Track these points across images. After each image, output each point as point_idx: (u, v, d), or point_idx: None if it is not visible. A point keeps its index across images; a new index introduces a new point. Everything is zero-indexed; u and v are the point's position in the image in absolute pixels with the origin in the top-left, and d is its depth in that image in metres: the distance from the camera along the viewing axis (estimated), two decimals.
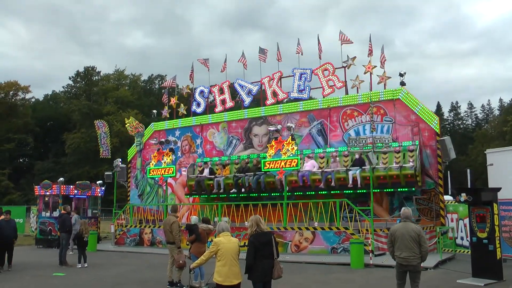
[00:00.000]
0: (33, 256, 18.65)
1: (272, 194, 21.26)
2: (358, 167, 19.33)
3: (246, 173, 21.60)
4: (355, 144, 20.75)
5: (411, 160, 18.74)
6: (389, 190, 19.37)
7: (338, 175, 19.72)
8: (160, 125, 27.89)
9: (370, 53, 21.61)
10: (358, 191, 19.35)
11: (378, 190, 19.25)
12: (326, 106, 22.25)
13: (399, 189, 19.02)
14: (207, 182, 22.66)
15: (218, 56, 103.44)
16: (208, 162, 23.89)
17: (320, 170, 20.19)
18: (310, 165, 20.52)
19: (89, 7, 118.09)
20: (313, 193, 20.33)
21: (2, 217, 15.50)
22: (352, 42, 22.52)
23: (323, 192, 20.03)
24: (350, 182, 19.36)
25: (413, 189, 18.71)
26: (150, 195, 27.36)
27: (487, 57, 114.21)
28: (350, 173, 19.42)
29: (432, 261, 14.70)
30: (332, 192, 19.79)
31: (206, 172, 23.14)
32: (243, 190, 21.63)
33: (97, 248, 21.89)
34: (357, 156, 19.76)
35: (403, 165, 18.61)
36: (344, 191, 19.63)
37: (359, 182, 19.14)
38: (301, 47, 23.63)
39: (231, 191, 22.00)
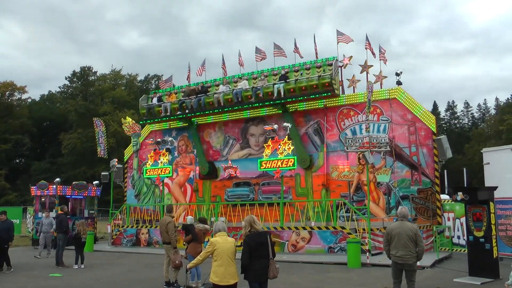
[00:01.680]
0: (29, 256, 18.59)
1: (206, 112, 24.20)
2: (283, 81, 21.62)
3: (190, 96, 24.32)
4: (352, 144, 20.77)
5: (328, 72, 21.10)
6: (307, 97, 21.40)
7: (266, 89, 22.04)
8: (156, 125, 27.83)
9: (370, 48, 21.58)
10: (282, 101, 21.76)
11: (295, 99, 21.74)
12: (322, 106, 22.25)
13: (317, 95, 21.16)
14: (157, 108, 25.52)
15: (214, 56, 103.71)
16: (157, 92, 27.13)
17: (251, 87, 22.66)
18: (242, 84, 23.09)
19: (85, 7, 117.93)
20: (243, 106, 23.19)
21: None
22: (352, 40, 22.55)
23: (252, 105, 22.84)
24: (275, 94, 21.61)
25: (329, 93, 20.89)
26: (146, 195, 27.33)
27: (483, 56, 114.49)
28: (275, 86, 21.72)
29: (429, 260, 14.73)
30: (259, 104, 22.52)
31: (155, 100, 26.09)
32: (186, 111, 24.49)
33: (94, 248, 21.87)
34: (283, 72, 22.28)
35: (322, 74, 20.96)
36: (269, 102, 22.14)
37: (282, 94, 21.45)
38: (299, 49, 23.58)
39: (177, 113, 24.76)
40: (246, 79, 23.46)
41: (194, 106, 23.98)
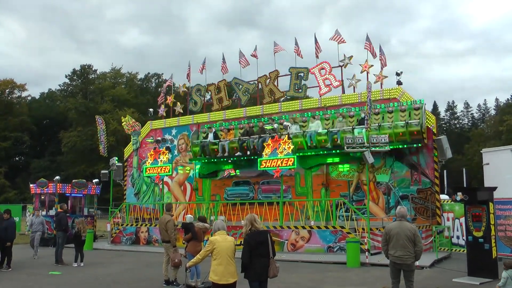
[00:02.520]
0: (29, 254, 18.58)
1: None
2: (363, 126, 18.55)
3: (251, 136, 21.23)
4: (351, 143, 20.74)
5: (416, 118, 18.60)
6: (396, 146, 18.67)
7: (343, 134, 18.87)
8: (156, 123, 27.86)
9: (372, 50, 21.55)
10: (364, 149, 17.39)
11: (381, 148, 17.31)
12: (323, 105, 22.26)
13: (405, 145, 18.67)
14: (212, 146, 22.24)
15: (214, 55, 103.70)
16: (212, 127, 23.21)
17: (326, 130, 19.70)
18: (315, 125, 20.22)
19: (85, 5, 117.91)
20: (319, 153, 19.95)
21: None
22: (345, 42, 22.50)
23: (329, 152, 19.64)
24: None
25: (419, 144, 18.53)
26: (146, 194, 27.34)
27: (483, 57, 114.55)
28: (356, 131, 18.82)
29: (428, 260, 14.74)
30: (337, 151, 19.19)
31: (210, 137, 22.66)
32: (248, 153, 21.16)
33: (93, 246, 21.88)
34: (363, 115, 19.22)
35: (409, 121, 18.42)
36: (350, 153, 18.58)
37: (365, 141, 17.54)
38: (299, 48, 23.58)
39: (236, 154, 21.51)
40: (319, 119, 20.68)
41: (257, 148, 20.62)
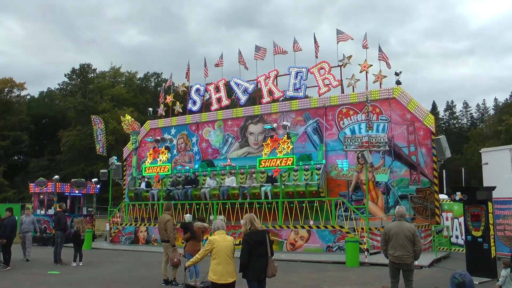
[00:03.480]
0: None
1: (198, 203, 22.25)
2: (270, 184, 20.67)
3: (177, 187, 23.48)
4: (351, 143, 20.80)
5: (318, 177, 20.39)
6: (296, 199, 19.79)
7: (253, 190, 21.11)
8: (155, 123, 27.84)
9: (366, 45, 21.56)
10: (268, 205, 20.06)
11: (287, 200, 19.81)
12: (322, 105, 22.27)
13: (305, 199, 19.59)
14: (144, 193, 24.38)
15: (213, 54, 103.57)
16: (146, 176, 24.28)
17: (238, 186, 21.84)
18: (230, 181, 22.21)
19: (84, 4, 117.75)
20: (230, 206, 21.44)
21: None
22: (353, 38, 22.57)
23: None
24: (263, 196, 20.57)
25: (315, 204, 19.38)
26: None
27: (482, 56, 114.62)
28: (263, 189, 20.75)
29: (427, 260, 14.75)
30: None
31: (143, 185, 24.94)
32: (173, 202, 22.11)
33: (92, 246, 21.88)
34: (270, 173, 21.01)
35: (309, 182, 20.29)
36: (257, 204, 20.41)
37: (269, 196, 20.33)
38: (299, 45, 23.56)
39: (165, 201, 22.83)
40: (234, 175, 22.81)
41: (181, 198, 22.83)
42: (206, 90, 26.42)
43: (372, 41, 21.59)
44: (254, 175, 22.17)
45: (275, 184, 20.51)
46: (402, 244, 8.52)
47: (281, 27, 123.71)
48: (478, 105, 79.26)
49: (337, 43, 22.37)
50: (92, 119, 28.34)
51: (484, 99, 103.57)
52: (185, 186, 23.20)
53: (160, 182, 23.71)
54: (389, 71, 21.95)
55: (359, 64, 21.33)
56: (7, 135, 64.94)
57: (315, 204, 18.95)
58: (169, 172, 22.53)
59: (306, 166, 21.17)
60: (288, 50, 23.92)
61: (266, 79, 23.97)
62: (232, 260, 7.15)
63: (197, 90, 26.46)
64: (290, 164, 18.79)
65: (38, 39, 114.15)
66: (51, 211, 24.36)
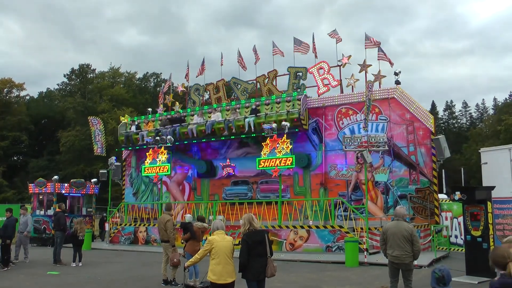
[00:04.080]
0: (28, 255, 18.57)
1: (185, 142, 24.72)
2: (253, 115, 22.19)
3: (166, 126, 24.75)
4: (350, 143, 20.80)
5: (298, 107, 21.34)
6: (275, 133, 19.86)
7: (237, 122, 22.47)
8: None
9: (374, 42, 21.52)
10: (252, 135, 22.43)
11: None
12: (321, 105, 22.27)
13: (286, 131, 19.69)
14: (134, 136, 26.04)
15: (213, 54, 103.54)
16: (136, 120, 27.46)
17: (224, 119, 23.18)
18: (215, 116, 23.57)
19: (84, 4, 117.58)
20: (215, 139, 23.97)
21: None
22: (341, 40, 22.50)
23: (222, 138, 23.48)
24: (246, 128, 22.10)
25: (297, 129, 21.19)
26: (144, 193, 27.32)
27: (482, 56, 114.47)
28: (246, 120, 22.18)
29: (427, 259, 14.76)
30: (232, 137, 23.22)
31: (133, 128, 26.74)
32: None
33: (91, 246, 21.87)
34: (253, 106, 22.82)
35: (291, 110, 21.36)
36: (242, 136, 22.87)
37: (252, 128, 21.98)
38: (300, 47, 23.56)
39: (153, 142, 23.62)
40: (220, 111, 23.92)
41: (169, 135, 23.67)
42: (205, 90, 26.41)
43: (374, 38, 21.56)
44: (238, 110, 23.40)
45: (258, 115, 22.11)
46: (400, 244, 8.51)
47: (281, 27, 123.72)
48: (477, 105, 79.22)
49: (336, 43, 22.36)
50: (89, 120, 28.30)
51: (483, 99, 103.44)
52: (173, 125, 24.54)
53: (150, 124, 26.36)
54: (388, 71, 22.00)
55: (359, 64, 21.35)
56: (6, 135, 64.88)
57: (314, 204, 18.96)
58: (169, 173, 22.55)
59: (288, 98, 22.20)
60: (288, 50, 23.94)
61: (265, 79, 23.96)
62: (231, 260, 7.15)
63: (197, 90, 26.45)
64: (289, 164, 18.79)
65: (38, 39, 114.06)
66: (50, 212, 24.36)
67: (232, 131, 22.65)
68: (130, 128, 26.94)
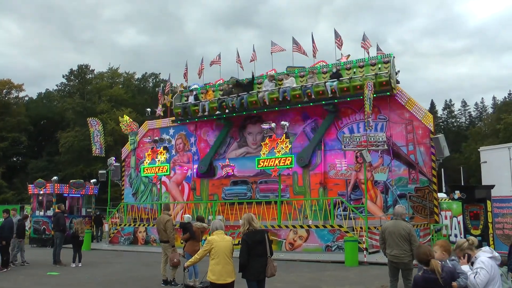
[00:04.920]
0: (27, 255, 18.55)
1: (254, 111, 22.84)
2: (335, 79, 20.33)
3: (230, 95, 22.70)
4: (349, 142, 20.79)
5: (385, 70, 19.86)
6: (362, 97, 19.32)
7: (316, 88, 20.75)
8: (154, 123, 27.82)
9: (368, 45, 21.49)
10: (335, 100, 20.63)
11: (352, 99, 20.19)
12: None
13: (374, 95, 19.05)
14: (193, 108, 24.03)
15: (212, 54, 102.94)
16: (193, 90, 24.85)
17: (300, 85, 21.32)
18: (290, 82, 21.70)
19: (82, 5, 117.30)
20: (290, 107, 22.01)
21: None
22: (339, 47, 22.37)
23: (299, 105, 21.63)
24: (329, 93, 20.30)
25: (388, 93, 19.79)
26: (144, 194, 27.29)
27: (481, 55, 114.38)
28: (327, 84, 20.38)
29: None
30: (311, 104, 21.26)
31: (191, 99, 24.39)
32: (227, 111, 22.90)
33: (91, 247, 21.86)
34: (334, 69, 20.93)
35: (378, 73, 19.71)
36: (323, 102, 20.95)
37: (337, 93, 20.20)
38: (301, 46, 23.52)
39: (216, 113, 23.25)
40: (293, 76, 22.11)
41: (236, 106, 22.51)
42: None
43: (370, 40, 21.54)
44: (316, 74, 21.52)
45: (341, 79, 20.05)
46: (398, 243, 8.52)
47: (279, 27, 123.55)
48: (476, 104, 79.21)
49: (335, 44, 22.33)
50: (88, 121, 28.29)
51: (482, 98, 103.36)
52: (239, 94, 22.40)
53: (210, 93, 24.15)
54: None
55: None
56: (5, 136, 64.80)
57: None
58: (168, 173, 22.53)
59: (373, 61, 20.54)
60: (287, 50, 23.87)
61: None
62: (231, 260, 7.15)
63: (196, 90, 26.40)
64: (288, 163, 18.79)
65: (36, 40, 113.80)
66: (50, 212, 24.35)
67: (311, 97, 20.93)
68: (187, 99, 24.81)
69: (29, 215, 20.06)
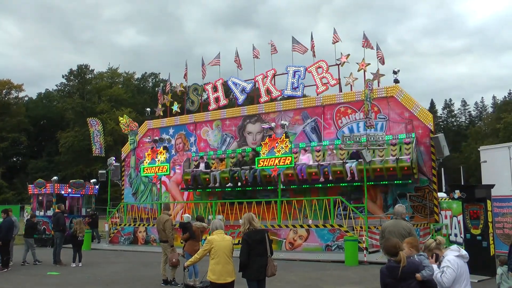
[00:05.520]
0: (27, 255, 18.55)
1: (268, 188, 21.31)
2: (355, 160, 19.05)
3: (242, 167, 21.35)
4: (349, 142, 20.77)
5: (407, 152, 18.70)
6: (385, 182, 19.04)
7: (334, 168, 19.47)
8: (154, 123, 27.81)
9: (369, 45, 21.49)
10: (354, 184, 19.22)
11: (374, 183, 19.03)
12: (320, 104, 22.26)
13: (395, 182, 18.68)
14: (203, 176, 22.37)
15: (211, 54, 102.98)
16: (203, 156, 23.61)
17: (317, 163, 20.06)
18: (306, 158, 20.40)
19: (81, 5, 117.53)
20: (309, 186, 20.40)
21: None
22: (339, 41, 22.36)
23: (319, 185, 20.05)
24: (348, 175, 19.09)
25: (410, 181, 18.50)
26: (144, 194, 27.28)
27: (480, 54, 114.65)
28: (347, 166, 19.20)
29: None
30: (328, 185, 19.82)
31: (202, 166, 22.84)
32: (239, 184, 21.41)
33: (91, 246, 21.86)
34: (353, 149, 19.07)
35: (399, 157, 18.44)
36: (341, 184, 19.61)
37: (356, 175, 18.89)
38: (300, 45, 23.52)
39: (227, 185, 21.71)
40: (309, 152, 20.80)
41: (249, 179, 20.95)
42: (204, 90, 26.37)
43: (369, 40, 21.55)
44: (334, 151, 20.39)
45: (360, 160, 18.32)
46: None
47: (278, 26, 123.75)
48: (476, 103, 79.33)
49: (333, 43, 22.33)
50: (88, 121, 28.28)
51: (482, 97, 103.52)
52: (253, 166, 20.70)
53: (222, 163, 22.62)
54: (387, 70, 21.96)
55: (357, 63, 21.31)
56: (5, 136, 64.91)
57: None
58: (168, 173, 22.51)
59: (393, 141, 19.25)
60: (285, 49, 23.90)
61: (264, 78, 23.93)
62: (231, 260, 7.15)
63: (195, 90, 26.42)
64: (288, 163, 18.78)
65: (36, 40, 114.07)
66: (50, 212, 24.34)
67: (328, 177, 19.55)
68: (198, 166, 23.11)
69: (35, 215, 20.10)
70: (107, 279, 13.41)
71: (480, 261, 12.02)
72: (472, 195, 12.37)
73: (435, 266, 5.80)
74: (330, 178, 19.52)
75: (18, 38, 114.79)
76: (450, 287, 5.70)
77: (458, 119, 79.64)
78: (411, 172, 18.23)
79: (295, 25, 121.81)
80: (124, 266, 16.15)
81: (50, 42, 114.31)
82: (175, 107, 27.20)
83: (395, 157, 18.53)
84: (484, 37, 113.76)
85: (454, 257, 5.81)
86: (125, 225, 23.55)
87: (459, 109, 79.53)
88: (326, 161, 20.15)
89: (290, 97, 23.50)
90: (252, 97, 25.08)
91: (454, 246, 6.08)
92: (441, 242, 6.12)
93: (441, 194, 21.63)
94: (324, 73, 22.20)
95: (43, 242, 23.78)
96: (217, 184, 21.91)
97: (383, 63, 21.48)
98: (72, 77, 74.10)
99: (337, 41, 22.19)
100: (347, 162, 19.35)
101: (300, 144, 21.55)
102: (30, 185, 26.16)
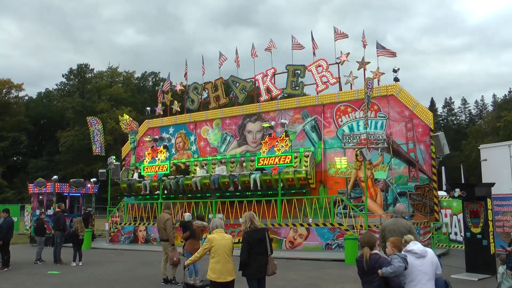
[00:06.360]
0: (27, 254, 18.57)
1: (189, 195, 23.25)
2: (259, 172, 20.81)
3: (168, 177, 23.38)
4: (349, 140, 20.79)
5: (306, 164, 20.50)
6: (283, 191, 20.18)
7: (242, 178, 21.33)
8: (154, 122, 27.81)
9: (364, 42, 21.52)
10: (258, 193, 21.01)
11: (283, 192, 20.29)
12: (320, 102, 22.26)
13: (292, 191, 20.39)
14: (137, 184, 24.55)
15: (211, 53, 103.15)
16: (138, 166, 25.09)
17: (229, 174, 22.06)
18: (220, 170, 22.62)
19: (81, 4, 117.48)
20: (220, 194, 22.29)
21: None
22: (347, 36, 22.44)
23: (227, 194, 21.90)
24: (252, 185, 21.04)
25: (304, 190, 20.39)
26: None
27: (480, 53, 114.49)
28: (252, 176, 21.06)
29: None
30: (237, 193, 21.53)
31: (135, 175, 24.96)
32: (165, 191, 23.52)
33: (91, 246, 21.86)
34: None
35: (298, 169, 20.19)
36: (247, 193, 21.24)
37: (258, 185, 20.80)
38: (300, 43, 23.53)
39: (156, 192, 23.67)
40: (224, 164, 23.17)
41: (173, 187, 23.26)
42: (204, 89, 26.37)
43: (369, 39, 21.61)
44: (244, 164, 22.36)
45: (264, 171, 20.46)
46: None
47: (278, 25, 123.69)
48: (476, 102, 79.19)
49: (335, 41, 22.33)
50: (88, 120, 28.25)
51: (482, 96, 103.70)
52: (177, 176, 23.36)
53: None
54: (387, 69, 21.93)
55: (357, 62, 21.32)
56: (5, 136, 64.89)
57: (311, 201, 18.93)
58: (168, 171, 22.55)
59: (296, 153, 20.87)
60: (285, 48, 23.90)
61: (264, 77, 23.93)
62: (231, 259, 7.15)
63: (195, 89, 26.42)
64: (288, 162, 18.80)
65: (36, 40, 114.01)
66: (50, 211, 24.32)
67: (237, 187, 21.57)
68: (132, 175, 25.38)
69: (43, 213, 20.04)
70: (107, 278, 13.42)
71: (480, 259, 12.04)
72: (472, 193, 12.37)
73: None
74: (240, 188, 21.50)
75: (18, 38, 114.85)
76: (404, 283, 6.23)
77: (458, 117, 79.54)
78: (307, 183, 20.28)
79: (295, 24, 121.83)
80: (125, 265, 16.15)
81: (50, 42, 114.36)
82: (175, 106, 27.24)
83: (294, 169, 20.20)
84: (484, 35, 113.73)
85: (403, 253, 6.30)
86: (125, 224, 23.55)
87: (459, 107, 79.46)
88: (236, 171, 22.03)
89: (290, 96, 23.50)
90: (252, 96, 25.09)
91: (411, 243, 6.44)
92: (406, 240, 6.55)
93: (441, 193, 21.65)
94: (324, 72, 22.20)
95: (44, 241, 23.76)
96: (147, 192, 24.04)
97: (395, 55, 21.52)
98: (72, 76, 74.08)
99: (341, 38, 22.18)
100: (252, 173, 21.23)
101: (217, 156, 24.30)
102: (30, 184, 26.14)
